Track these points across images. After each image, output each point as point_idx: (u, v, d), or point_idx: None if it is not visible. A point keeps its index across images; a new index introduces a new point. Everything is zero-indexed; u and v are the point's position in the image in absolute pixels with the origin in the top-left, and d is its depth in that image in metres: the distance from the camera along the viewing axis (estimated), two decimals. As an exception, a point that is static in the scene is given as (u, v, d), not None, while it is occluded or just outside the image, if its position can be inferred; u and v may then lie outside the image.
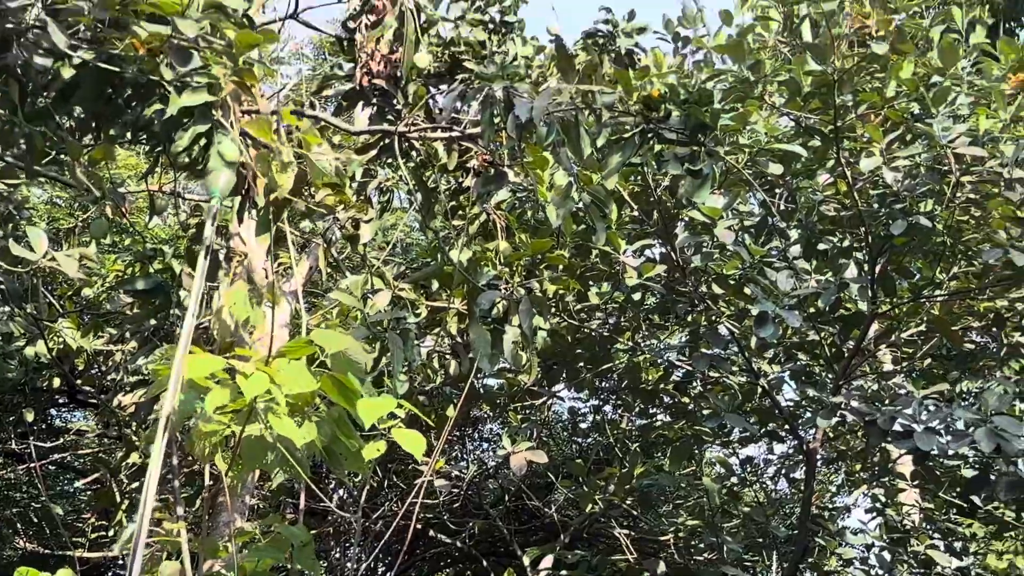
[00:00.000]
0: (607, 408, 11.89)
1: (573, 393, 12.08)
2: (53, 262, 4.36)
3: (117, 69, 4.56)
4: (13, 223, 5.32)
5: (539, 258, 7.03)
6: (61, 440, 11.70)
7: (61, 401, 12.24)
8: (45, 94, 4.94)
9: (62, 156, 7.04)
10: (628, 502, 10.24)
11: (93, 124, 5.37)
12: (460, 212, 7.26)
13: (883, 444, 7.58)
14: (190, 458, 6.33)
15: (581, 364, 9.34)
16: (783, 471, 11.26)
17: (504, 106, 5.04)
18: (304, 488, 6.92)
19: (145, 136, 5.32)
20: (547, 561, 9.62)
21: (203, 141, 4.92)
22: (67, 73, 4.71)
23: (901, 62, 6.76)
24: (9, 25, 4.39)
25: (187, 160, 5.44)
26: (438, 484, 8.20)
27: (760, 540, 10.27)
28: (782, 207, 7.92)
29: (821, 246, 7.95)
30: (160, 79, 4.69)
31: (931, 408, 7.14)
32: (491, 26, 6.90)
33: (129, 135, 5.40)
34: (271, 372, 3.66)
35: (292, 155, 5.10)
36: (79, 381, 10.39)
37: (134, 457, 7.90)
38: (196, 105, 4.76)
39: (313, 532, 5.73)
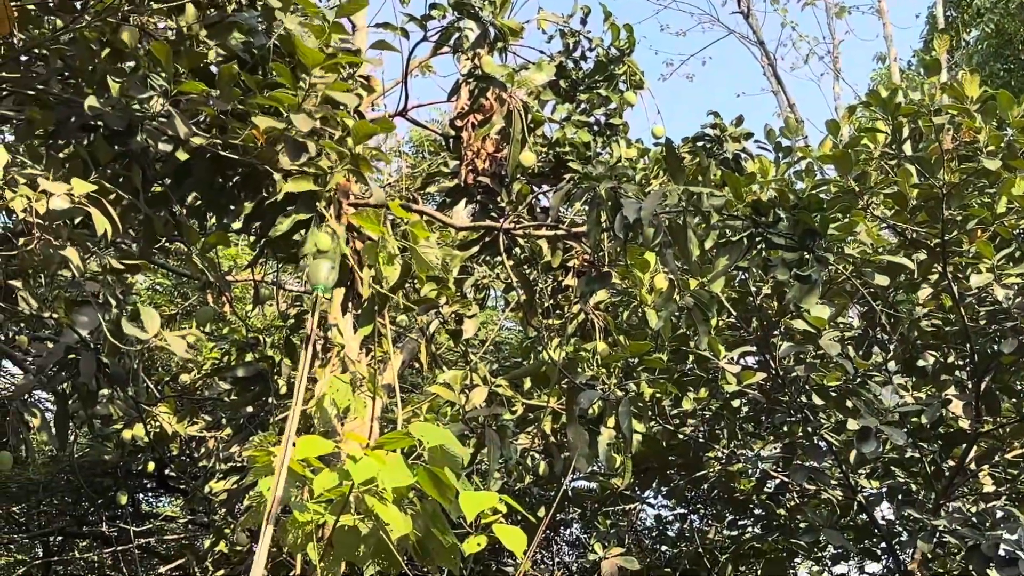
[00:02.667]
0: (694, 517, 11.67)
1: (659, 500, 11.89)
2: (163, 342, 4.42)
3: (233, 156, 4.68)
4: (118, 306, 5.42)
5: (636, 360, 6.97)
6: (150, 525, 11.77)
7: (149, 486, 12.36)
8: (163, 180, 5.08)
9: (168, 244, 7.22)
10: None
11: (205, 210, 5.51)
12: (558, 311, 7.25)
13: (986, 571, 7.29)
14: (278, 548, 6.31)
15: (672, 470, 9.20)
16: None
17: (611, 206, 5.04)
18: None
19: (256, 225, 5.43)
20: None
21: (303, 231, 5.00)
22: (182, 156, 4.85)
23: (1013, 178, 6.65)
24: (137, 113, 4.54)
25: (283, 247, 5.52)
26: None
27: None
28: (882, 320, 7.78)
29: (920, 362, 7.81)
30: (275, 169, 4.80)
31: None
32: (596, 128, 6.97)
33: (239, 224, 5.53)
34: (379, 459, 3.64)
35: (398, 248, 5.15)
36: (172, 466, 10.49)
37: (222, 546, 7.89)
38: (301, 193, 4.85)
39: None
